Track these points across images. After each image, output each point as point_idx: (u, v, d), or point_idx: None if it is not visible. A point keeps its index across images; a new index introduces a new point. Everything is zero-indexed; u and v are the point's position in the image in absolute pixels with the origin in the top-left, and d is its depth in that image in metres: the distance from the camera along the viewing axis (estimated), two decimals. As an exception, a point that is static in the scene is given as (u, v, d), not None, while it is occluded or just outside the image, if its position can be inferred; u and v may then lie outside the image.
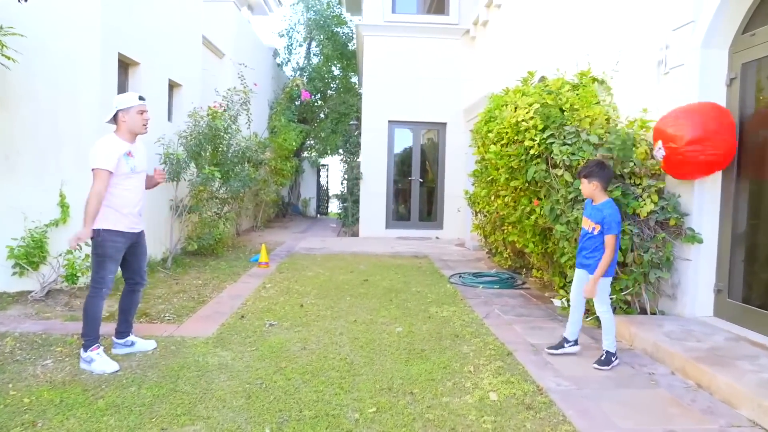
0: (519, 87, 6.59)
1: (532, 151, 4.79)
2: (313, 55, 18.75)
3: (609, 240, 3.57)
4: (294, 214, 18.10)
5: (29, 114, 5.58)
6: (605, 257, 3.56)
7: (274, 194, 12.89)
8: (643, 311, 4.58)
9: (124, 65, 6.72)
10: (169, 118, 8.09)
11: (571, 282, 4.66)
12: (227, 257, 8.29)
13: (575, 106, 4.87)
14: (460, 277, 6.94)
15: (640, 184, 4.49)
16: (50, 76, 5.65)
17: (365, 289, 6.10)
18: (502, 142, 5.75)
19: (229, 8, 11.40)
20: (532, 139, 4.79)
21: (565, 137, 4.55)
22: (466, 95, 11.50)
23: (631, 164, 4.46)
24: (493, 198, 6.67)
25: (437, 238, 11.84)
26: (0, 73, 5.45)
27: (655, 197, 4.38)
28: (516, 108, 5.15)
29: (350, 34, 18.06)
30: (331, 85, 18.67)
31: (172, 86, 8.28)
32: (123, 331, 3.87)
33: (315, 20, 17.66)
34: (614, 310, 4.57)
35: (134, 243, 3.80)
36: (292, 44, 17.69)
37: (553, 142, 4.58)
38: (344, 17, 17.86)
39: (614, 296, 4.46)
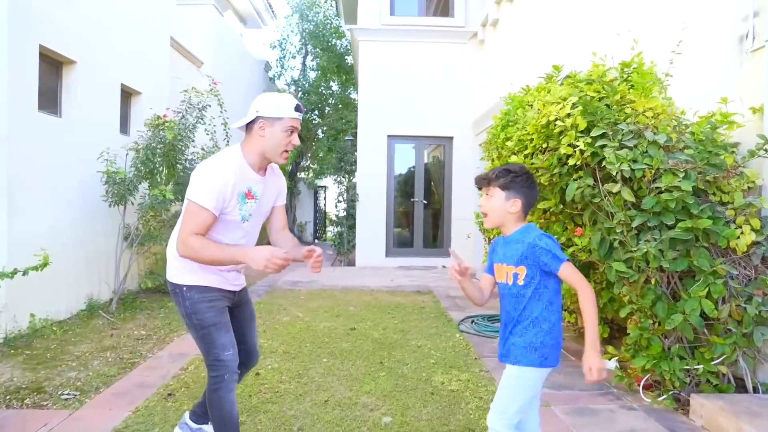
0: (542, 84, 5.28)
1: (571, 161, 3.45)
2: (310, 69, 17.60)
3: (568, 272, 2.01)
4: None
5: None
6: (587, 306, 1.96)
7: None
8: (740, 386, 3.18)
9: (55, 63, 5.46)
10: (124, 130, 6.81)
11: (629, 334, 3.28)
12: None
13: (627, 98, 3.54)
14: (472, 322, 5.55)
15: (730, 203, 3.13)
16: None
17: (350, 344, 4.71)
18: (526, 152, 4.42)
19: (208, 12, 10.24)
20: (571, 145, 3.45)
21: (621, 139, 3.20)
22: (475, 106, 10.22)
23: (715, 175, 3.11)
24: (512, 223, 5.32)
25: (444, 267, 10.44)
26: None
27: (756, 222, 3.01)
28: (545, 104, 3.82)
29: (349, 47, 16.93)
30: (329, 101, 17.51)
31: (130, 93, 7.03)
32: (202, 413, 2.63)
33: (310, 31, 16.52)
34: (698, 385, 3.17)
35: (235, 305, 2.50)
36: (285, 56, 16.53)
37: (604, 146, 3.24)
38: (342, 30, 16.73)
39: (702, 366, 3.06)
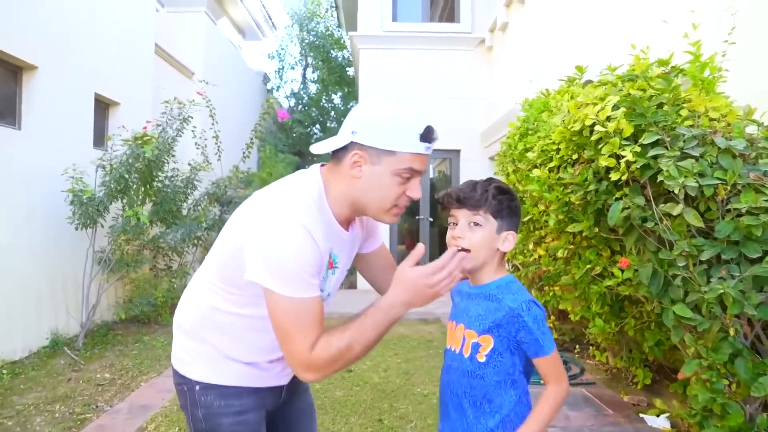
0: (564, 87, 4.63)
1: (614, 175, 2.77)
2: (310, 81, 17.05)
3: (550, 365, 1.44)
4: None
5: None
6: (550, 402, 1.41)
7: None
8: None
9: (13, 68, 4.85)
10: (99, 144, 6.19)
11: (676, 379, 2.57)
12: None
13: (681, 96, 2.86)
14: (486, 360, 4.83)
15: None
16: None
17: (345, 391, 4.01)
18: (551, 165, 3.75)
19: (200, 20, 9.67)
20: (614, 155, 2.77)
21: (683, 146, 2.51)
22: (483, 116, 9.56)
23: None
24: (532, 246, 4.63)
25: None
26: None
27: None
28: (578, 106, 3.14)
29: (350, 59, 16.38)
30: (331, 114, 16.95)
31: (106, 104, 6.42)
32: None
33: (310, 42, 15.98)
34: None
35: (285, 405, 1.67)
36: (283, 67, 15.98)
37: (659, 156, 2.55)
38: (344, 41, 16.19)
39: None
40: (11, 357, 4.67)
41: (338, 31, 16.35)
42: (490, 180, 1.54)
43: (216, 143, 8.31)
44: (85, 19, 5.69)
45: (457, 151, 10.02)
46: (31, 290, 4.93)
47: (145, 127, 5.65)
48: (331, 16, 16.45)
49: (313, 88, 17.08)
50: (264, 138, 13.71)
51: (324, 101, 16.64)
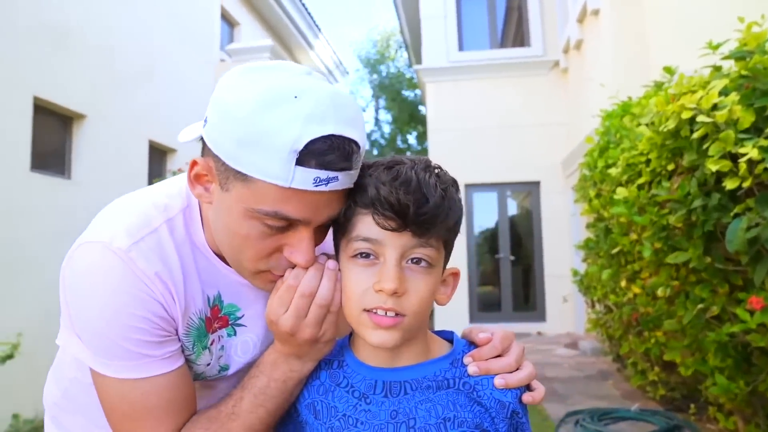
0: (649, 92, 3.90)
1: (729, 183, 2.04)
2: (385, 122, 16.93)
3: None
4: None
5: None
6: None
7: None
8: None
9: (62, 117, 4.80)
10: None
11: None
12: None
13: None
14: (577, 423, 4.01)
15: None
16: None
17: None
18: (639, 181, 3.03)
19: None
20: (729, 155, 2.05)
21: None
22: (563, 143, 8.79)
23: None
24: (624, 284, 3.83)
25: (539, 333, 8.80)
26: None
27: None
28: (674, 97, 2.45)
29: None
30: (407, 154, 16.70)
31: (163, 151, 6.35)
32: None
33: (381, 83, 15.92)
34: None
35: None
36: (355, 111, 15.98)
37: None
38: (415, 80, 16.03)
39: None
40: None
41: (409, 71, 16.23)
42: (425, 162, 0.84)
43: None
44: (140, 69, 5.68)
45: (537, 183, 9.27)
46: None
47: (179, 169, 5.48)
48: (401, 56, 16.39)
49: (386, 129, 16.95)
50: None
51: (399, 142, 16.43)
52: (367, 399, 0.84)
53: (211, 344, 0.91)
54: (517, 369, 0.86)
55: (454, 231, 0.84)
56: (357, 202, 0.80)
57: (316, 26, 14.35)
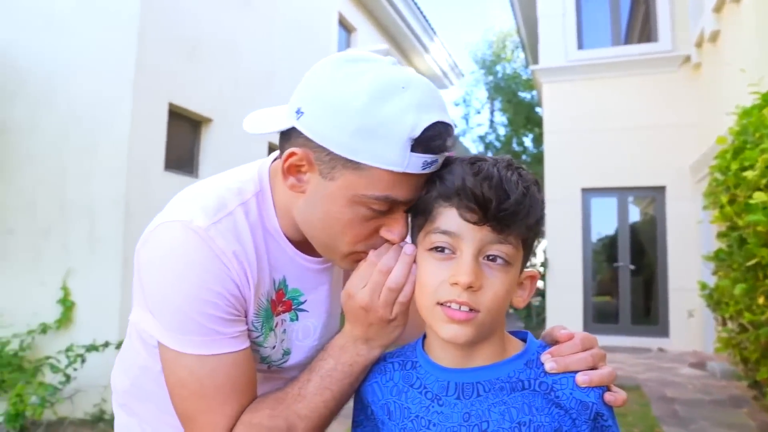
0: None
1: None
2: (499, 125, 16.62)
3: None
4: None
5: (29, 181, 4.21)
6: None
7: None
8: None
9: (192, 121, 5.22)
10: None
11: None
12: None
13: None
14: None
15: None
16: (58, 130, 4.27)
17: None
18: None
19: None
20: None
21: None
22: (692, 146, 8.08)
23: None
24: (763, 300, 3.46)
25: (660, 350, 8.17)
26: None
27: None
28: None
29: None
30: (522, 158, 16.27)
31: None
32: None
33: (496, 85, 15.65)
34: None
35: None
36: (468, 113, 15.83)
37: None
38: (532, 81, 15.59)
39: None
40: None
41: (526, 71, 15.81)
42: (509, 161, 0.80)
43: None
44: (261, 75, 6.05)
45: (662, 188, 8.63)
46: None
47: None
48: (518, 56, 16.00)
49: (502, 131, 16.64)
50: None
51: (515, 144, 16.05)
52: (439, 400, 0.82)
53: (276, 326, 0.93)
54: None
55: (535, 230, 0.81)
56: (438, 194, 0.79)
57: (432, 29, 14.42)
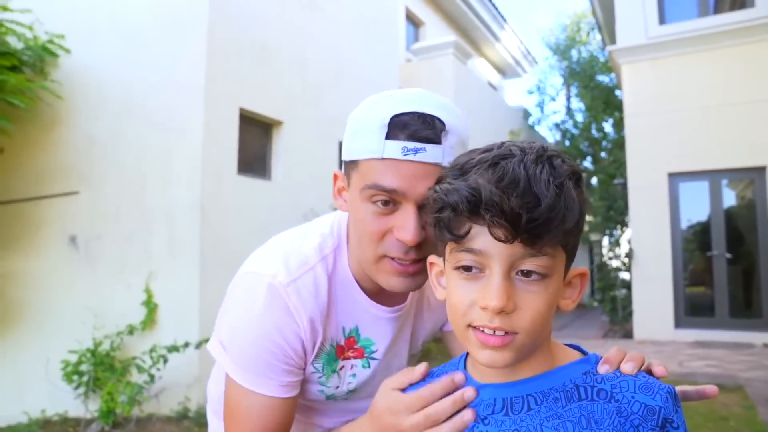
0: None
1: None
2: (576, 111, 15.93)
3: None
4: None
5: (113, 190, 4.43)
6: None
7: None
8: None
9: (263, 125, 5.33)
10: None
11: None
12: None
13: None
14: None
15: None
16: (138, 140, 4.47)
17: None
18: None
19: (447, 63, 9.76)
20: None
21: None
22: (797, 121, 7.38)
23: None
24: None
25: (766, 345, 7.52)
26: (87, 146, 4.47)
27: None
28: None
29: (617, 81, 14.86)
30: (602, 144, 15.52)
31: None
32: None
33: (571, 69, 15.01)
34: None
35: None
36: (543, 101, 15.27)
37: None
38: (609, 63, 14.81)
39: None
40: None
41: (603, 54, 15.06)
42: (542, 150, 0.70)
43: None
44: (329, 75, 6.07)
45: (762, 169, 7.94)
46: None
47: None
48: (593, 39, 15.28)
49: (579, 117, 15.95)
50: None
51: (594, 131, 15.33)
52: (485, 420, 0.74)
53: (341, 369, 1.00)
54: None
55: (574, 233, 0.71)
56: (460, 208, 0.68)
57: (502, 17, 14.05)
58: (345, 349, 0.99)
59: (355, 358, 1.00)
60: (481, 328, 0.69)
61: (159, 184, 4.39)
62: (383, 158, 0.82)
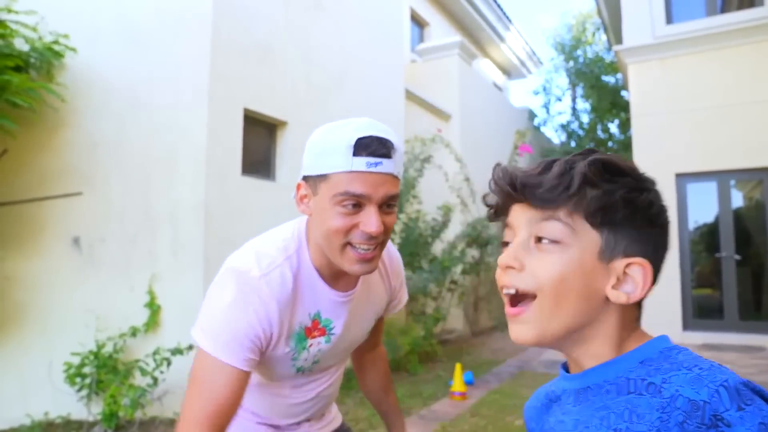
0: None
1: None
2: (582, 111, 15.87)
3: None
4: (567, 303, 14.79)
5: (117, 191, 4.40)
6: None
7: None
8: None
9: (267, 125, 5.29)
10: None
11: None
12: (424, 375, 5.96)
13: None
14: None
15: None
16: (141, 141, 4.44)
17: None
18: None
19: (453, 64, 9.72)
20: None
21: None
22: (806, 121, 7.31)
23: None
24: None
25: (775, 347, 7.45)
26: (90, 147, 4.44)
27: None
28: None
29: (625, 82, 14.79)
30: (608, 144, 15.47)
31: (357, 152, 6.67)
32: None
33: (577, 69, 14.94)
34: None
35: None
36: (549, 101, 15.20)
37: None
38: (616, 63, 14.74)
39: None
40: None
41: (609, 54, 14.99)
42: (589, 151, 0.75)
43: (468, 186, 8.05)
44: (333, 75, 6.04)
45: (770, 169, 7.84)
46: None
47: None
48: (599, 39, 15.21)
49: (585, 118, 15.90)
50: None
51: (599, 131, 15.29)
52: (563, 410, 0.79)
53: (310, 346, 1.25)
54: None
55: (603, 211, 0.72)
56: (491, 186, 0.80)
57: (507, 18, 14.00)
58: (311, 330, 1.23)
59: (319, 336, 1.25)
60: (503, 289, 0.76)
61: (163, 186, 4.35)
62: (351, 171, 1.06)
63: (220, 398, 1.08)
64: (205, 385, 1.09)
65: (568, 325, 0.72)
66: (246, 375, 1.12)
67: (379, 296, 1.38)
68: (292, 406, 1.36)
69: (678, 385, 0.64)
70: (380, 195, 1.08)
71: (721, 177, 8.29)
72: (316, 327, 1.23)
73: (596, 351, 0.74)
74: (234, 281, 1.13)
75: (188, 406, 1.10)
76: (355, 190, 1.06)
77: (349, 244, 1.11)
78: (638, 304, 0.77)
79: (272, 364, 1.23)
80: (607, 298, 0.72)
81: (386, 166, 1.08)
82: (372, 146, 1.06)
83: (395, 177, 1.12)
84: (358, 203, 1.08)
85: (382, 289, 1.38)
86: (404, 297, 1.48)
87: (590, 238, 0.72)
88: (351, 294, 1.26)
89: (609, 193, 0.71)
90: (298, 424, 1.39)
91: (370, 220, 1.08)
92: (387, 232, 1.12)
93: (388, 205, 1.12)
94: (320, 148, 1.10)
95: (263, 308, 1.12)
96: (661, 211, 0.76)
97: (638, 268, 0.72)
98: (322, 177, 1.09)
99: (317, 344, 1.25)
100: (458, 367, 5.17)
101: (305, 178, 1.15)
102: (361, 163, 1.06)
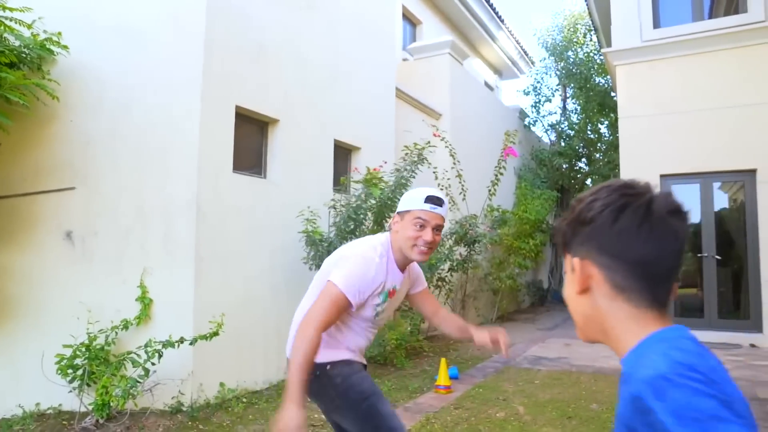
0: None
1: None
2: (571, 112, 16.00)
3: None
4: (555, 302, 14.95)
5: (110, 187, 4.47)
6: None
7: (510, 279, 10.25)
8: None
9: (259, 123, 5.37)
10: (341, 188, 6.49)
11: None
12: (410, 369, 6.07)
13: None
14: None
15: None
16: (134, 137, 4.51)
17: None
18: None
19: (444, 63, 9.80)
20: None
21: None
22: (788, 125, 7.46)
23: None
24: None
25: (753, 346, 7.63)
26: (83, 143, 4.51)
27: None
28: None
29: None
30: (597, 145, 15.60)
31: (348, 150, 6.76)
32: None
33: (567, 69, 15.05)
34: None
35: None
36: (539, 100, 15.31)
37: None
38: (605, 65, 14.87)
39: None
40: (252, 387, 4.98)
41: (599, 56, 15.11)
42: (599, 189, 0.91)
43: (459, 182, 8.14)
44: (326, 73, 6.12)
45: (752, 172, 8.04)
46: (272, 326, 5.22)
47: (376, 168, 5.73)
48: (590, 40, 15.33)
49: (574, 119, 16.02)
50: (522, 174, 13.21)
51: (589, 132, 15.40)
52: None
53: (386, 301, 2.19)
54: None
55: (566, 233, 0.94)
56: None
57: (499, 17, 14.10)
58: (392, 292, 2.19)
59: (392, 297, 2.21)
60: None
61: (155, 181, 4.43)
62: (422, 209, 2.09)
63: (334, 314, 1.98)
64: (329, 304, 1.96)
65: (591, 334, 0.95)
66: (350, 307, 2.03)
67: (405, 283, 2.32)
68: (362, 341, 2.25)
69: (636, 376, 0.79)
70: (434, 223, 2.10)
71: (705, 179, 8.45)
72: (393, 293, 2.20)
73: (614, 348, 0.89)
74: (362, 258, 2.07)
75: (315, 310, 1.95)
76: (425, 217, 2.09)
77: (416, 245, 2.10)
78: (639, 299, 0.85)
79: (367, 305, 2.12)
80: (597, 309, 0.89)
81: (440, 210, 2.11)
82: (433, 200, 2.09)
83: (443, 216, 2.12)
84: (423, 225, 2.08)
85: (407, 278, 2.32)
86: (423, 283, 2.42)
87: (570, 259, 0.93)
88: (404, 276, 2.26)
89: (567, 222, 0.93)
90: (359, 354, 2.27)
91: (427, 234, 2.08)
92: (435, 243, 2.11)
93: (437, 229, 2.11)
94: (409, 197, 2.14)
95: (378, 273, 2.08)
96: (597, 212, 0.86)
97: (582, 263, 0.89)
98: (408, 211, 2.11)
99: (389, 301, 2.20)
100: (443, 361, 5.29)
101: (398, 213, 2.15)
102: (427, 206, 2.08)
